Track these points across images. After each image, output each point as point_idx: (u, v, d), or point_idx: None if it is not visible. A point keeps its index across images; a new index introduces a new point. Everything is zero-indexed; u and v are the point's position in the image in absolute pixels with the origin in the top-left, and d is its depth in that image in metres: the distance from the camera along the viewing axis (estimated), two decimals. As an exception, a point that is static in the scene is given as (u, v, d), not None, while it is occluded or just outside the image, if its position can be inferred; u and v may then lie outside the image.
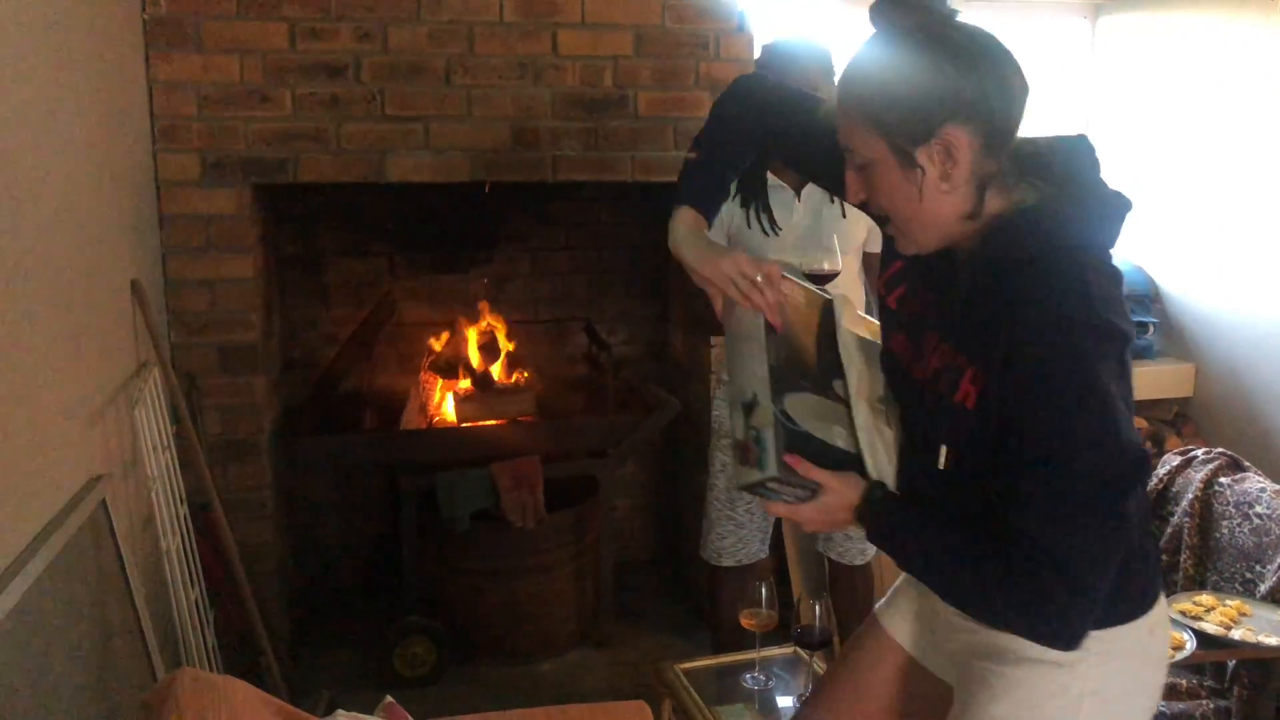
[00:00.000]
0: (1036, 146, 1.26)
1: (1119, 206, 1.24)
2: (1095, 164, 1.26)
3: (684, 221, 1.45)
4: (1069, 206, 1.21)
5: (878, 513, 1.32)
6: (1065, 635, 1.19)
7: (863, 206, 1.34)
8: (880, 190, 1.25)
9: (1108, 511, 1.17)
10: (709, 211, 1.48)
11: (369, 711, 1.66)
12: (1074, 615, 1.17)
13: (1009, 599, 1.20)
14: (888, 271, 1.42)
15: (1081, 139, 1.27)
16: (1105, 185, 1.25)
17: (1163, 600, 1.36)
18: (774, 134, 1.51)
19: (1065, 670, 1.28)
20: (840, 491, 1.32)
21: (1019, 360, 1.17)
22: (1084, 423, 1.15)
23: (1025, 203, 1.22)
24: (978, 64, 1.17)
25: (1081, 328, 1.15)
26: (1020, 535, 1.17)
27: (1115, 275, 1.22)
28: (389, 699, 1.80)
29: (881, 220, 1.30)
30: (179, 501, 2.46)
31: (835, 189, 1.40)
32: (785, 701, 2.19)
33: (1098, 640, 1.25)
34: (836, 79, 1.29)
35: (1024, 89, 1.21)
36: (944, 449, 1.28)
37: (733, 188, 2.35)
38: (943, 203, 1.21)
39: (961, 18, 1.22)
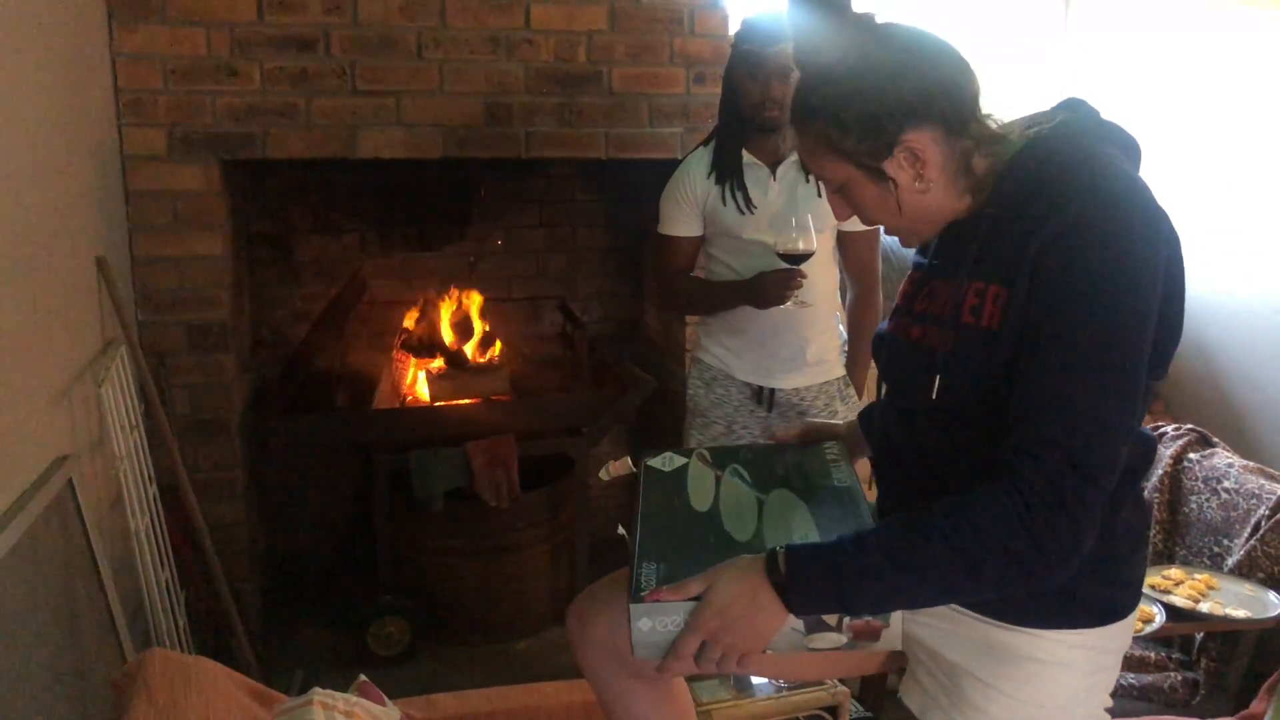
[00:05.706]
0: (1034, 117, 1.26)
1: (1127, 141, 1.22)
2: (1093, 109, 1.24)
3: None
4: (1081, 130, 1.20)
5: (801, 555, 1.12)
6: (1071, 563, 1.08)
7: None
8: (863, 206, 1.26)
9: (1126, 430, 1.10)
10: None
11: (343, 690, 1.65)
12: (1085, 538, 1.07)
13: (1014, 536, 1.06)
14: (906, 287, 1.37)
15: (1076, 99, 1.27)
16: (1110, 124, 1.22)
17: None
18: None
19: (1063, 669, 1.23)
20: (730, 570, 1.14)
21: (1051, 259, 1.09)
22: (1117, 324, 1.07)
23: (1025, 141, 1.19)
24: (908, 62, 1.17)
25: (1133, 209, 1.09)
26: (1041, 449, 1.06)
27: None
28: (363, 678, 1.79)
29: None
30: (148, 481, 2.43)
31: None
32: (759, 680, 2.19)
33: (1093, 636, 1.23)
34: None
35: (959, 62, 1.20)
36: (937, 379, 1.22)
37: (708, 165, 2.34)
38: (925, 200, 1.22)
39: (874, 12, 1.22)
